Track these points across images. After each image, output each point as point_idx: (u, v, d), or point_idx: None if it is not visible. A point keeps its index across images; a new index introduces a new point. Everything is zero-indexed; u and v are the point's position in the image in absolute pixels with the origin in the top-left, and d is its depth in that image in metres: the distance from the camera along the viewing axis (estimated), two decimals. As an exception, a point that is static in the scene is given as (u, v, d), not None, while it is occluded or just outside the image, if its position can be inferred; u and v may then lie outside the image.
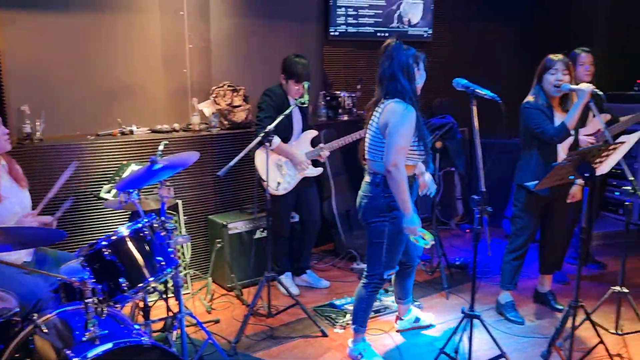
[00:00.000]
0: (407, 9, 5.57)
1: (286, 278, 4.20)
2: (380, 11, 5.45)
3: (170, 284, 3.13)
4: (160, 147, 3.12)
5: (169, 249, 2.70)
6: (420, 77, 3.03)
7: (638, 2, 5.69)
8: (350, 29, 5.36)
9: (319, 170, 4.12)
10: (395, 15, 5.53)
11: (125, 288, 2.45)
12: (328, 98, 5.18)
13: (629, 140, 2.95)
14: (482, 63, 6.01)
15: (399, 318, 3.65)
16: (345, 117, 5.14)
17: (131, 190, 2.79)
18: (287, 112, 3.57)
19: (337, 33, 5.30)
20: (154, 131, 4.32)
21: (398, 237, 3.02)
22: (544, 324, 3.73)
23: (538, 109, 3.44)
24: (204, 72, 4.58)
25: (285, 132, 3.94)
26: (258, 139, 3.41)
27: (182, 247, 4.10)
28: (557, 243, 3.88)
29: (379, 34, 5.48)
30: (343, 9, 5.28)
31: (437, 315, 3.78)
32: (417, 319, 3.65)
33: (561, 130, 3.32)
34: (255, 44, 4.84)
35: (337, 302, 3.92)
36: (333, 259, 4.82)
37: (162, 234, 2.68)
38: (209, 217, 4.36)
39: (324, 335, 3.56)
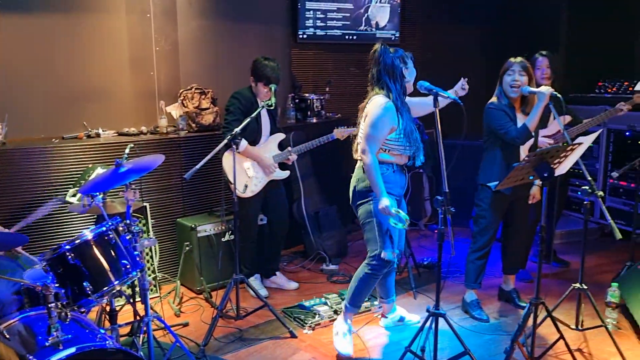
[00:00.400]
0: (374, 12, 5.63)
1: (255, 280, 4.21)
2: (348, 14, 5.51)
3: (137, 288, 3.12)
4: (127, 150, 3.11)
5: (135, 252, 2.69)
6: (409, 75, 3.22)
7: (597, 5, 5.85)
8: (319, 32, 5.40)
9: (286, 173, 4.15)
10: (363, 18, 5.59)
11: (90, 292, 2.44)
12: (297, 100, 5.21)
13: (586, 142, 3.04)
14: (449, 65, 6.10)
15: (383, 316, 3.73)
16: (314, 120, 5.17)
17: (95, 194, 2.77)
18: (254, 114, 3.58)
19: (305, 36, 5.34)
20: (121, 134, 4.28)
21: (380, 215, 3.16)
22: (508, 321, 3.81)
23: (502, 109, 3.53)
24: (172, 75, 4.57)
25: (253, 135, 3.96)
26: (225, 141, 3.42)
27: (150, 250, 4.08)
28: (520, 243, 3.98)
29: (347, 37, 5.53)
30: (311, 12, 5.33)
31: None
32: (402, 318, 3.73)
33: (523, 132, 3.41)
34: (223, 47, 4.84)
35: (306, 304, 3.94)
36: (303, 261, 4.84)
37: (128, 237, 2.67)
38: (178, 220, 4.34)
39: (293, 336, 3.58)
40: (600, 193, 3.24)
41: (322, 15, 5.38)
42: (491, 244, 3.78)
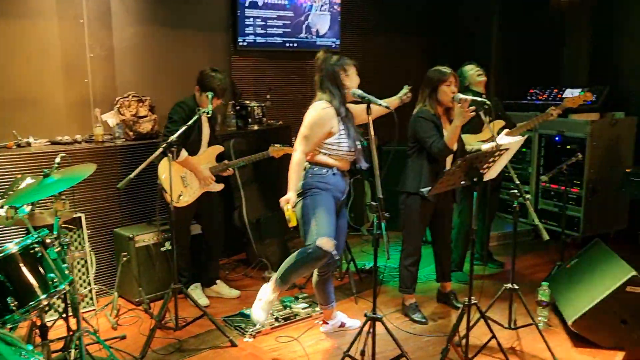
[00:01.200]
0: (315, 20, 5.68)
1: (195, 289, 4.16)
2: (289, 22, 5.53)
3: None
4: (57, 160, 3.03)
5: (64, 265, 2.61)
6: (350, 82, 3.26)
7: (526, 15, 6.10)
8: (259, 39, 5.40)
9: (221, 186, 4.13)
10: (304, 25, 5.63)
11: (14, 308, 2.35)
12: (237, 108, 5.19)
13: (512, 147, 3.16)
14: (389, 73, 6.24)
15: (324, 322, 3.73)
16: (256, 127, 5.16)
17: (18, 205, 2.68)
18: (190, 122, 3.54)
19: (245, 43, 5.33)
20: (53, 143, 4.16)
21: (319, 204, 3.21)
22: (445, 322, 3.90)
23: (432, 120, 3.62)
24: (107, 82, 4.47)
25: (194, 146, 3.92)
26: (160, 149, 3.36)
27: (85, 262, 3.97)
28: (448, 251, 4.12)
29: (287, 44, 5.56)
30: (251, 20, 5.32)
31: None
32: (343, 324, 3.75)
33: (443, 149, 3.53)
34: (161, 53, 4.78)
35: (247, 312, 3.91)
36: (245, 269, 4.82)
37: (56, 249, 2.59)
38: (115, 230, 4.25)
39: (233, 345, 3.55)
40: (528, 196, 3.38)
41: (262, 23, 5.39)
42: (420, 250, 3.88)
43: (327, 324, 3.74)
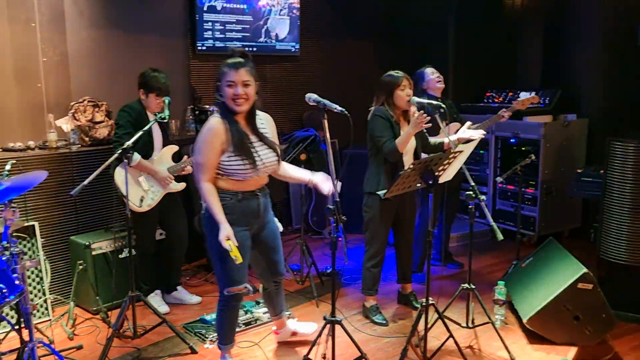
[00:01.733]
0: (274, 24, 5.68)
1: (155, 296, 4.11)
2: (248, 26, 5.52)
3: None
4: (7, 167, 2.95)
5: (14, 275, 2.55)
6: (222, 93, 2.87)
7: (482, 19, 6.24)
8: (218, 44, 5.38)
9: (182, 185, 4.08)
10: (263, 30, 5.63)
11: (-40, 320, 2.28)
12: (197, 112, 5.15)
13: (467, 149, 3.23)
14: (348, 77, 6.29)
15: (276, 333, 3.66)
16: (215, 131, 5.12)
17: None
18: (147, 127, 3.51)
19: (204, 47, 5.30)
20: (5, 150, 4.05)
21: (221, 247, 2.81)
22: (406, 323, 3.94)
23: (388, 119, 3.66)
24: (61, 87, 4.38)
25: (145, 149, 3.87)
26: (116, 155, 3.32)
27: (39, 271, 3.87)
28: (409, 252, 4.14)
29: (247, 49, 5.50)
30: (210, 24, 5.30)
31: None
32: (295, 332, 3.67)
33: (394, 151, 3.56)
34: (118, 58, 4.71)
35: (208, 317, 3.89)
36: (206, 274, 4.78)
37: (5, 259, 2.53)
38: (71, 238, 4.16)
39: (194, 352, 3.52)
40: (483, 197, 3.45)
41: (221, 27, 5.36)
42: (384, 251, 3.91)
43: (279, 333, 3.66)
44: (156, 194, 3.94)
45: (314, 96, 2.88)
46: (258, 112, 3.02)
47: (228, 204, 2.91)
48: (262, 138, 2.97)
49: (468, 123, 3.93)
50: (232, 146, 2.84)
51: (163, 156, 4.01)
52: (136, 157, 3.74)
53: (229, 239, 2.76)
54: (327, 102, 2.84)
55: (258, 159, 2.91)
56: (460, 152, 3.11)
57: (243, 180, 2.92)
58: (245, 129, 2.94)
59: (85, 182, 3.12)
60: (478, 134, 3.63)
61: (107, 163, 3.30)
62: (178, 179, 4.07)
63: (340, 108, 2.79)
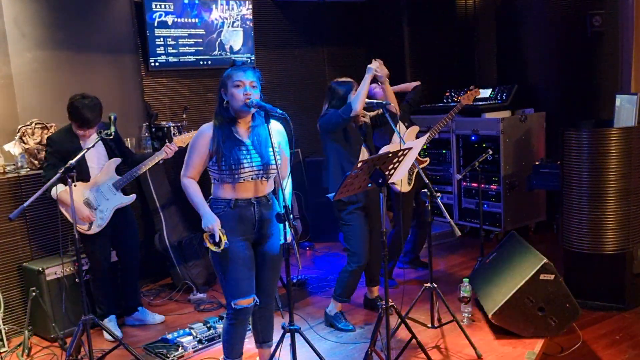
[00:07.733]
0: (227, 37, 5.64)
1: (109, 322, 3.97)
2: (201, 40, 5.47)
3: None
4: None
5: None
6: (227, 97, 2.88)
7: (436, 18, 6.27)
8: (172, 59, 5.31)
9: (132, 197, 3.97)
10: (217, 42, 5.58)
11: None
12: (153, 129, 5.05)
13: (416, 146, 3.19)
14: (303, 85, 6.27)
15: None
16: (173, 147, 5.03)
17: None
18: (91, 146, 3.42)
19: (157, 64, 5.23)
20: (-51, 178, 3.92)
21: (224, 257, 2.85)
22: (372, 328, 3.87)
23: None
24: (7, 110, 4.26)
25: (81, 168, 3.73)
26: (58, 175, 3.18)
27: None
28: (377, 255, 4.07)
29: (201, 62, 5.49)
30: (162, 39, 5.23)
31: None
32: None
33: (352, 109, 3.55)
34: (66, 78, 4.59)
35: (169, 336, 3.78)
36: (170, 293, 4.67)
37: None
38: (24, 265, 4.03)
39: (154, 373, 3.42)
40: (438, 195, 3.43)
41: (173, 42, 5.30)
42: (364, 256, 3.85)
43: None
44: (105, 213, 3.83)
45: (257, 101, 2.83)
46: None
47: (222, 212, 2.89)
48: (259, 144, 2.89)
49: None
50: (217, 152, 2.86)
51: (107, 170, 3.87)
52: (54, 192, 3.68)
53: (207, 232, 2.82)
54: (269, 107, 2.79)
55: (247, 163, 2.84)
56: (409, 149, 3.07)
57: (234, 184, 2.87)
58: (244, 133, 2.91)
59: (25, 204, 3.01)
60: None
61: (48, 185, 3.20)
62: (128, 191, 3.97)
63: (280, 112, 2.74)
